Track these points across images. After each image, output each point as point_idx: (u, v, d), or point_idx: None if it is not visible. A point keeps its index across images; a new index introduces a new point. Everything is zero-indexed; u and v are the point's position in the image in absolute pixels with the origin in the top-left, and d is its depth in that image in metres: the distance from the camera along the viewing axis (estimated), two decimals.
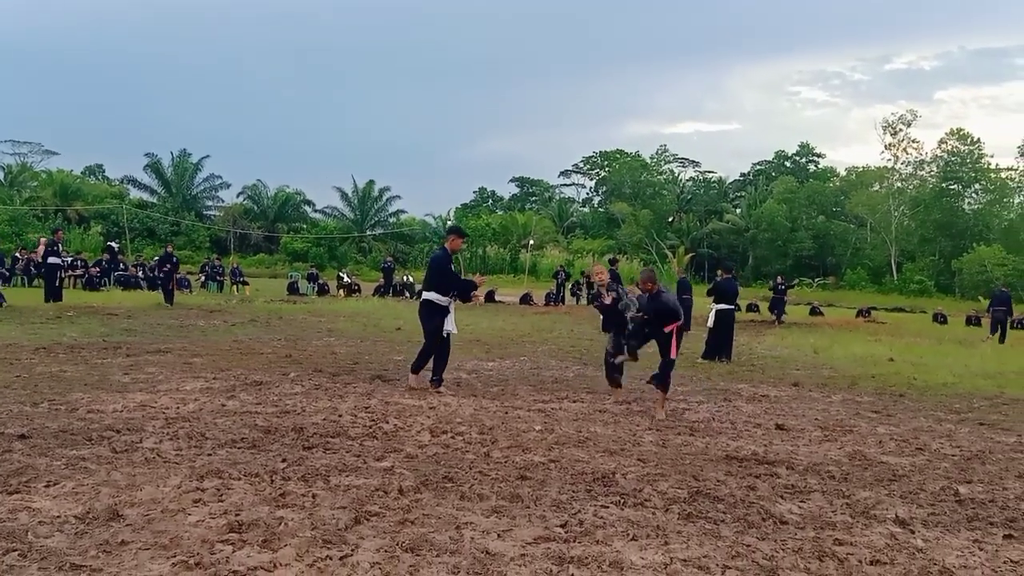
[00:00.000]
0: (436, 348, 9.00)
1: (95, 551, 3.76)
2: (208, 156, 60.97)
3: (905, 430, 7.81)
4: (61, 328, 13.83)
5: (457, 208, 71.25)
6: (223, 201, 62.21)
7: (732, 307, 14.50)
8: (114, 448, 5.70)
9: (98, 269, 28.05)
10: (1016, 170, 60.57)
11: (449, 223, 58.26)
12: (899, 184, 60.94)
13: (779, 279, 28.18)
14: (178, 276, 24.92)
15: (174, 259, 22.68)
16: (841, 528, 4.61)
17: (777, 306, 26.48)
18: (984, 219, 58.13)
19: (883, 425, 8.04)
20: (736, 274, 28.95)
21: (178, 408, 7.27)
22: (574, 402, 8.66)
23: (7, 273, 26.80)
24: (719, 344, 13.74)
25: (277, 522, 4.25)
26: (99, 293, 24.58)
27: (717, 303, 14.18)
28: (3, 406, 6.97)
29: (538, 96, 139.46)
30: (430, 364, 9.09)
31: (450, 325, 9.01)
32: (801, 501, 5.15)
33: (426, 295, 9.07)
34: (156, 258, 27.83)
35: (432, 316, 8.94)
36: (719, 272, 15.64)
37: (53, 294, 19.82)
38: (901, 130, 59.70)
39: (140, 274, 29.43)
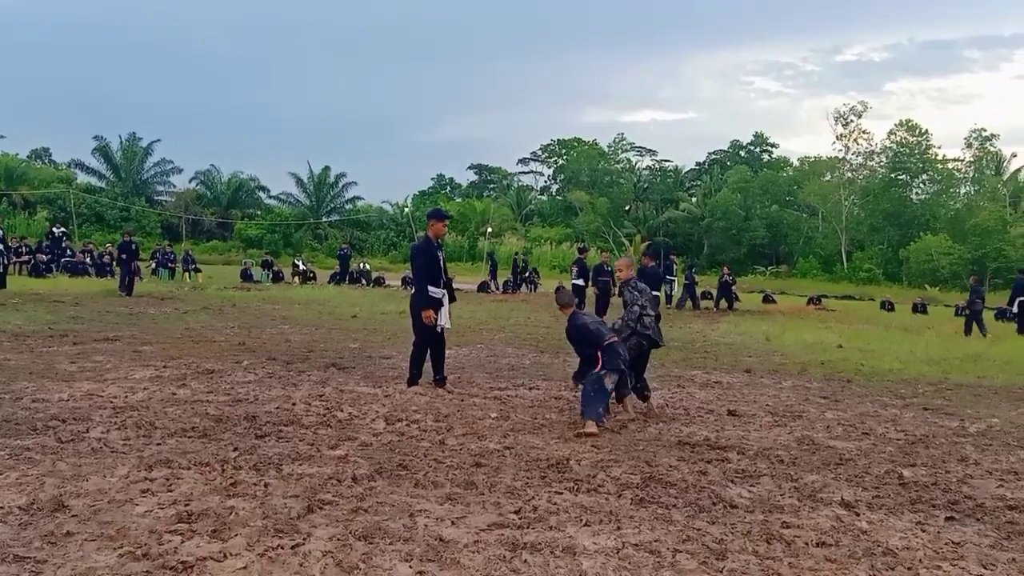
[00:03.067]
0: (430, 347, 8.36)
1: (39, 542, 3.68)
2: (159, 140, 59.79)
3: (852, 415, 7.98)
4: (5, 316, 13.46)
5: (415, 195, 70.89)
6: (175, 186, 61.01)
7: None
8: (60, 438, 5.58)
9: (44, 256, 27.31)
10: (962, 161, 62.17)
11: (407, 209, 58.00)
12: (849, 174, 62.08)
13: (725, 270, 28.55)
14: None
15: (133, 246, 21.86)
16: (789, 511, 4.71)
17: (726, 295, 26.86)
18: (931, 209, 59.50)
19: (831, 410, 8.21)
20: (665, 260, 29.34)
21: (126, 397, 7.14)
22: (530, 389, 8.69)
23: None
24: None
25: (228, 512, 4.20)
26: (45, 280, 23.95)
27: None
28: None
29: (496, 82, 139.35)
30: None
31: (444, 319, 8.36)
32: (751, 485, 5.24)
33: (417, 288, 8.43)
34: (116, 245, 26.73)
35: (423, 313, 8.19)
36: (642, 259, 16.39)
37: None
38: (852, 121, 60.79)
39: (88, 260, 28.75)
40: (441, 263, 8.49)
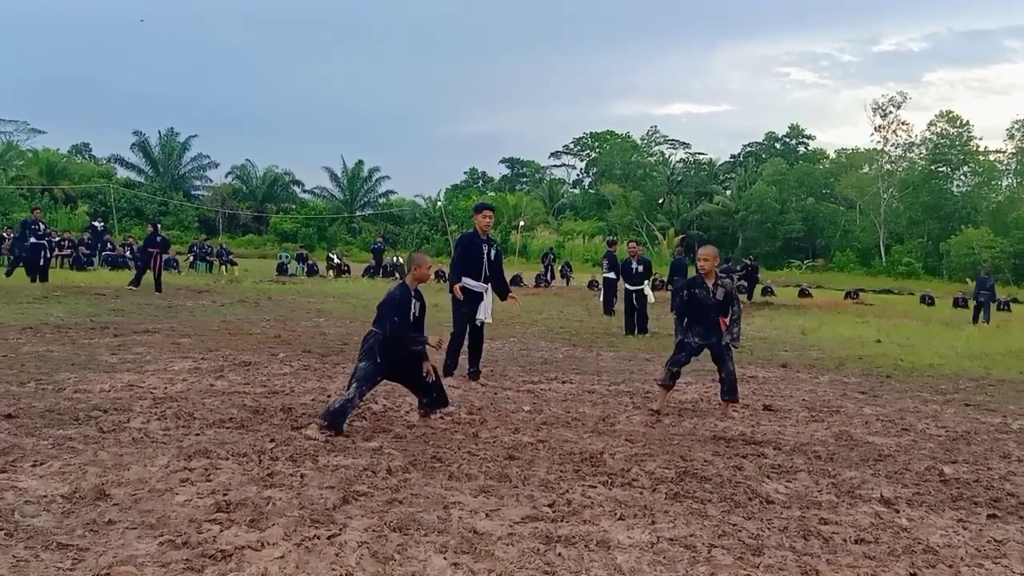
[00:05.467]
0: (465, 339, 8.38)
1: (82, 530, 3.75)
2: (196, 135, 60.44)
3: (891, 411, 7.86)
4: (48, 308, 13.74)
5: (447, 189, 71.07)
6: (211, 181, 61.73)
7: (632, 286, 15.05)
8: (101, 428, 5.68)
9: (86, 249, 27.84)
10: (1004, 152, 60.87)
11: (439, 203, 58.20)
12: (888, 166, 61.03)
13: (749, 259, 28.09)
14: (166, 257, 24.10)
15: (158, 239, 20.12)
16: (827, 507, 4.65)
17: (748, 285, 26.56)
18: (972, 201, 58.35)
19: (870, 406, 8.09)
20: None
21: (166, 388, 7.25)
22: (563, 383, 8.67)
23: None
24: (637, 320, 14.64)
25: (265, 502, 4.25)
26: (86, 273, 24.43)
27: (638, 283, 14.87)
28: None
29: (526, 77, 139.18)
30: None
31: (483, 313, 8.30)
32: (787, 481, 5.18)
33: (464, 281, 8.39)
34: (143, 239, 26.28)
35: (461, 303, 8.28)
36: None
37: (39, 273, 19.66)
38: (891, 112, 59.74)
39: (128, 254, 29.24)
40: (484, 256, 8.38)
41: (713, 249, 7.48)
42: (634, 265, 15.09)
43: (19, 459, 4.81)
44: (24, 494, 4.21)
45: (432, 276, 6.67)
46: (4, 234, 28.85)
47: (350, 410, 5.93)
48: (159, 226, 21.05)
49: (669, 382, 7.27)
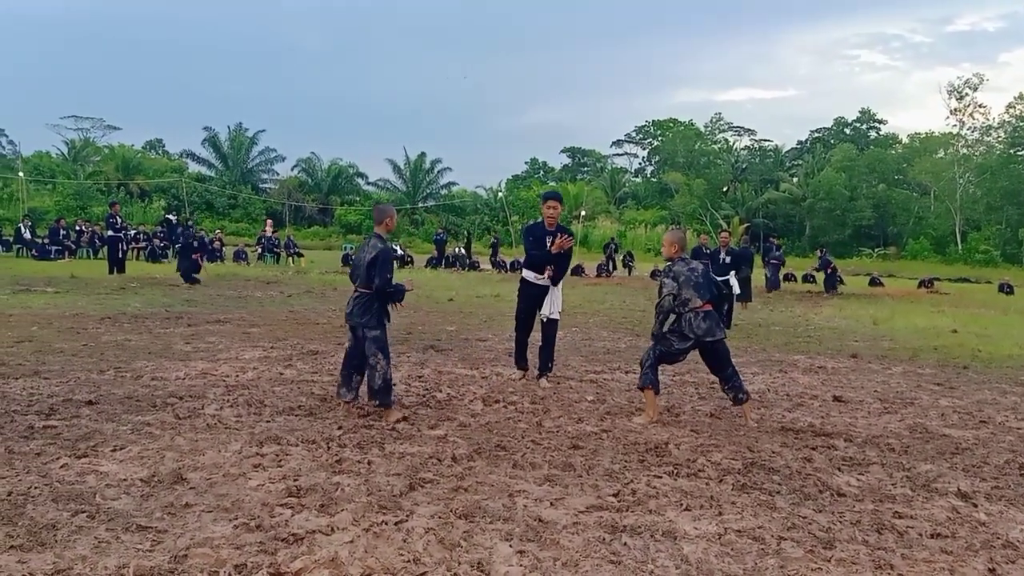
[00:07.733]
0: (525, 333, 7.96)
1: (160, 513, 3.88)
2: (264, 130, 62.11)
3: (968, 403, 7.61)
4: (125, 299, 14.22)
5: (508, 179, 71.15)
6: (278, 174, 63.12)
7: (719, 276, 14.59)
8: (177, 414, 5.87)
9: (161, 241, 28.70)
10: None
11: (500, 194, 58.36)
12: (965, 151, 58.84)
13: (821, 251, 27.29)
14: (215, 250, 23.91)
15: (178, 229, 20.39)
16: (901, 501, 4.53)
17: (829, 279, 25.52)
18: None
19: (945, 397, 7.84)
20: (765, 242, 27.98)
21: (237, 376, 7.44)
22: (626, 373, 8.62)
23: (72, 246, 27.61)
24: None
25: (334, 487, 4.34)
26: (161, 264, 25.19)
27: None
28: (71, 373, 7.22)
29: (587, 66, 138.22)
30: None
31: (547, 308, 7.72)
32: (859, 473, 5.06)
33: (523, 273, 8.02)
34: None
35: (521, 298, 7.94)
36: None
37: (116, 265, 20.38)
38: (967, 94, 57.53)
39: (195, 244, 30.05)
40: (548, 247, 7.70)
41: (671, 235, 6.57)
42: (722, 255, 14.73)
43: (100, 444, 5.00)
44: (105, 478, 4.38)
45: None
46: (82, 227, 29.98)
47: (390, 379, 6.19)
48: (192, 226, 21.62)
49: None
